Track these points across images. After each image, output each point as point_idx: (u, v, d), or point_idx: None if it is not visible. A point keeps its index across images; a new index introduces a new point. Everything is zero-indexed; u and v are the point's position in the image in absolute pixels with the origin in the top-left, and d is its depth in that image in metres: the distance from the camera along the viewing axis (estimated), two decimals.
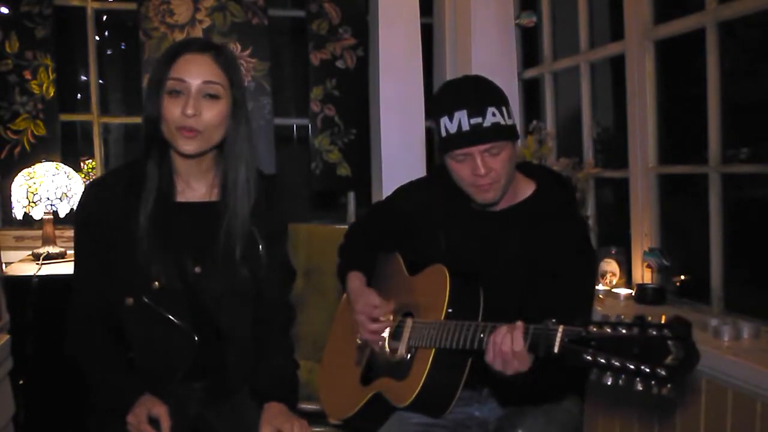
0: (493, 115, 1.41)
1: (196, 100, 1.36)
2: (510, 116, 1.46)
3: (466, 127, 1.42)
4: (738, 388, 1.70)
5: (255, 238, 1.48)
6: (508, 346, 1.26)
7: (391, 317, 1.65)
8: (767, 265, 2.09)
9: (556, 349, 1.19)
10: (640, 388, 1.07)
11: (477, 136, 1.42)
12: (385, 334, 1.66)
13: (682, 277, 2.11)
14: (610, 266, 2.41)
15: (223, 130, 1.41)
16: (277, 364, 1.53)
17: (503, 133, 1.43)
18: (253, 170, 1.48)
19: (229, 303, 1.46)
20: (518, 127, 1.53)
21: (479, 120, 1.41)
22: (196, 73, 1.36)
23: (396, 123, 2.99)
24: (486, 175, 1.44)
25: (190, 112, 1.34)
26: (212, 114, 1.37)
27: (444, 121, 1.44)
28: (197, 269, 1.44)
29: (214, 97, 1.38)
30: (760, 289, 2.16)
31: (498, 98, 1.45)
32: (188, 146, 1.37)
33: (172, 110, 1.35)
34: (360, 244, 1.81)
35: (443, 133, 1.46)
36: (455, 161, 1.47)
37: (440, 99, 1.50)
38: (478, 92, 1.45)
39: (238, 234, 1.45)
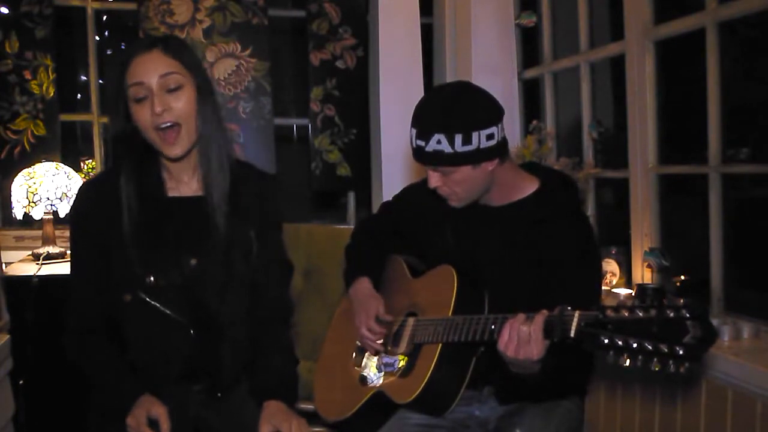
0: (438, 142, 1.41)
1: (159, 96, 1.36)
2: (468, 142, 1.39)
3: (414, 144, 1.47)
4: (738, 388, 1.70)
5: (247, 232, 1.48)
6: (526, 327, 1.27)
7: (391, 320, 1.65)
8: (767, 265, 2.09)
9: (572, 333, 1.20)
10: (657, 368, 1.10)
11: (420, 156, 1.47)
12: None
13: (682, 277, 2.11)
14: (610, 266, 2.41)
15: (199, 119, 1.42)
16: (276, 361, 1.53)
17: (445, 161, 1.43)
18: (226, 156, 1.47)
19: (225, 295, 1.46)
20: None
21: (422, 144, 1.44)
22: (151, 70, 1.37)
23: (396, 123, 2.98)
24: (438, 188, 1.50)
25: (158, 109, 1.35)
26: (181, 103, 1.38)
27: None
28: (193, 262, 1.45)
29: (176, 88, 1.38)
30: (760, 289, 2.16)
31: (455, 124, 1.40)
32: (173, 150, 1.40)
33: (143, 115, 1.37)
34: (368, 246, 1.81)
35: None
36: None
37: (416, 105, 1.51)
38: (432, 115, 1.44)
39: (222, 223, 1.45)
